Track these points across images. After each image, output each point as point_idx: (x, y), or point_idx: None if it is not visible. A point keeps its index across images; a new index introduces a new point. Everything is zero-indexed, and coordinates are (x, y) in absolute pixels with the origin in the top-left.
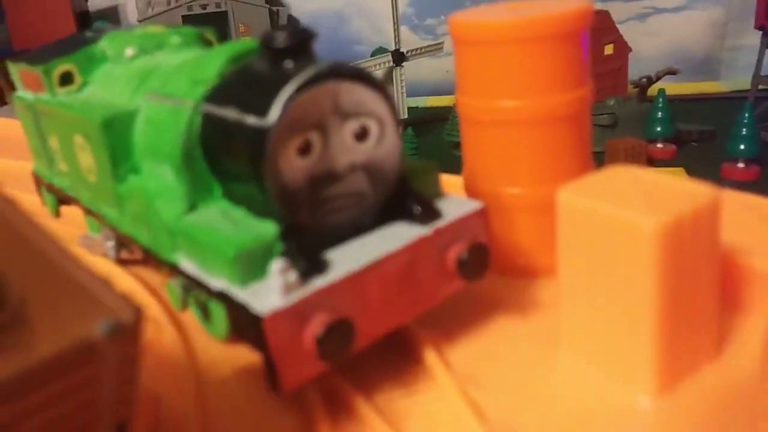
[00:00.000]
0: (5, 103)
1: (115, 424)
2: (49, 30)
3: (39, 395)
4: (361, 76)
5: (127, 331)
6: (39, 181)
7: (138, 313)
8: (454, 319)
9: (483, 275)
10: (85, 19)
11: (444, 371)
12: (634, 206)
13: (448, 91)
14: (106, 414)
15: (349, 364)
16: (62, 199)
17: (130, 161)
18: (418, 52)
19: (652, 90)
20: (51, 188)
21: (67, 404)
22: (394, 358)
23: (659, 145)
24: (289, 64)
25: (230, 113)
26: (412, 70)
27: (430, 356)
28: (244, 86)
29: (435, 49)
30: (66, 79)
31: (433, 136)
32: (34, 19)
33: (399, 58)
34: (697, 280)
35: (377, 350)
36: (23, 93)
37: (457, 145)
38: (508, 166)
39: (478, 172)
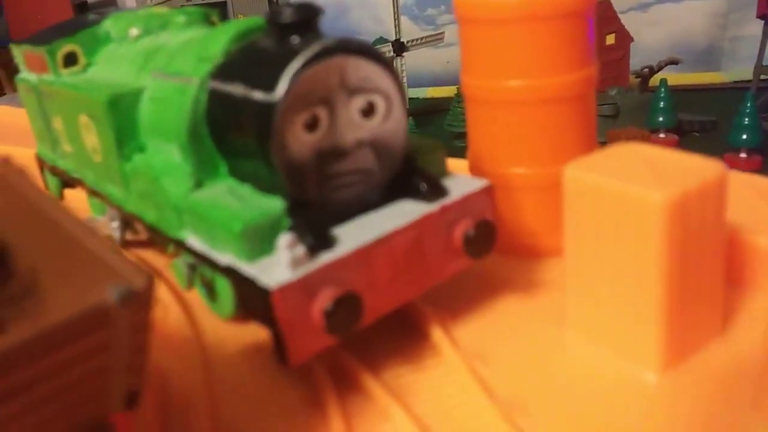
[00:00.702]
0: (3, 93)
1: (126, 393)
2: (48, 22)
3: (52, 360)
4: (369, 52)
5: (139, 297)
6: (42, 164)
7: (150, 280)
8: (460, 299)
9: (489, 252)
10: (83, 11)
11: (451, 348)
12: (641, 181)
13: (449, 82)
14: (117, 382)
15: (355, 341)
16: (66, 181)
17: (136, 140)
18: (419, 42)
19: (654, 80)
20: (55, 170)
21: (79, 370)
22: (400, 335)
23: (661, 135)
24: (295, 39)
25: (237, 89)
26: (412, 60)
27: (437, 333)
28: (250, 62)
29: (436, 40)
30: (70, 59)
31: (434, 126)
32: (32, 11)
33: (399, 48)
34: (704, 255)
35: (384, 328)
36: (27, 75)
37: (459, 136)
38: (514, 147)
39: (484, 152)
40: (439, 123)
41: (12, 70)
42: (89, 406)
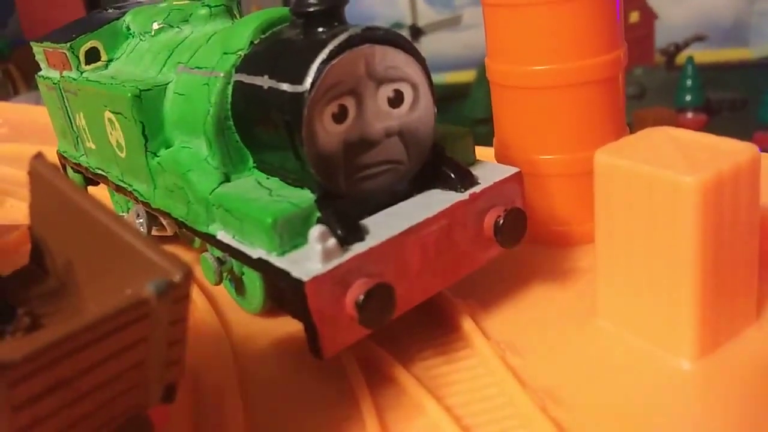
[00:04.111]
0: (17, 92)
1: (163, 387)
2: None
3: (92, 353)
4: (395, 41)
5: (177, 290)
6: (64, 162)
7: (187, 273)
8: (491, 289)
9: (521, 241)
10: (94, 8)
11: (482, 339)
12: (673, 165)
13: (468, 66)
14: (155, 375)
15: (386, 334)
16: (89, 178)
17: (162, 135)
18: (436, 26)
19: (680, 58)
20: (77, 168)
21: (119, 363)
22: (431, 328)
23: (689, 115)
24: (321, 29)
25: (264, 82)
26: (430, 45)
27: (468, 325)
28: (276, 54)
29: (453, 23)
30: (92, 55)
31: (453, 113)
32: (44, 10)
33: (416, 33)
34: (738, 240)
35: (415, 320)
36: (48, 72)
37: (480, 122)
38: (542, 133)
39: (511, 139)
40: (459, 109)
41: (27, 69)
42: (128, 399)
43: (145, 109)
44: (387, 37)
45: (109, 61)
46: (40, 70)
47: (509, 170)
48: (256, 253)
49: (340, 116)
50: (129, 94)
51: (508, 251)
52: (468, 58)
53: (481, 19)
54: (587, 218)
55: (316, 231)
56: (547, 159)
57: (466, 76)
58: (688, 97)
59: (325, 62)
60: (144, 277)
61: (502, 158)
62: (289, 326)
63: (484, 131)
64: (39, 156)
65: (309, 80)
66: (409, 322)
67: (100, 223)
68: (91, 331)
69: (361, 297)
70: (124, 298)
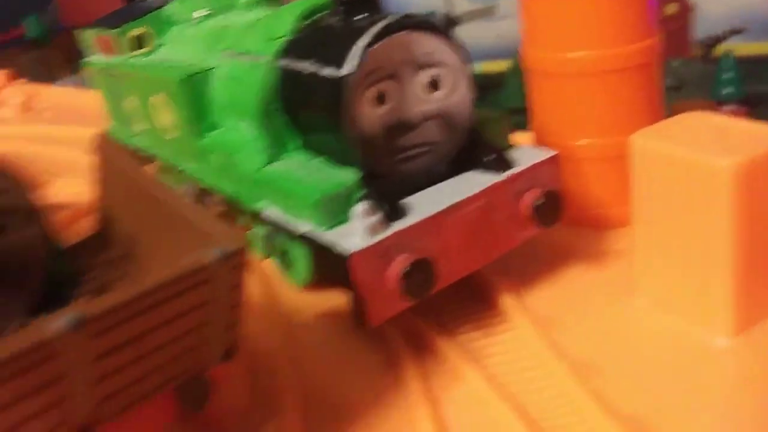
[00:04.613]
0: (56, 78)
1: (223, 348)
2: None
3: (160, 313)
4: (434, 27)
5: (235, 257)
6: None
7: (244, 242)
8: (529, 269)
9: (557, 221)
10: None
11: (521, 314)
12: (709, 149)
13: (503, 56)
14: (215, 337)
15: (427, 309)
16: (138, 159)
17: (209, 117)
18: (471, 15)
19: (718, 51)
20: (127, 149)
21: (184, 323)
22: (471, 303)
23: (729, 107)
24: (361, 17)
25: (307, 66)
26: (464, 34)
27: (507, 300)
28: (319, 40)
29: (488, 13)
30: (139, 41)
31: (487, 103)
32: None
33: (450, 22)
34: None
35: (454, 296)
36: (96, 57)
37: (514, 112)
38: (579, 118)
39: (548, 124)
40: (494, 99)
41: (66, 55)
42: (191, 358)
43: (193, 91)
44: (425, 24)
45: (156, 46)
46: (80, 55)
47: (546, 153)
48: (302, 228)
49: (380, 100)
50: (178, 78)
51: (545, 233)
52: (503, 48)
53: (515, 10)
54: (623, 201)
55: (360, 207)
56: (583, 143)
57: (501, 66)
58: (727, 90)
59: (365, 48)
60: (204, 247)
61: (539, 143)
62: (334, 300)
63: (518, 121)
64: (103, 136)
65: (350, 65)
66: (450, 299)
67: (162, 198)
68: (159, 291)
69: (403, 270)
70: (188, 263)
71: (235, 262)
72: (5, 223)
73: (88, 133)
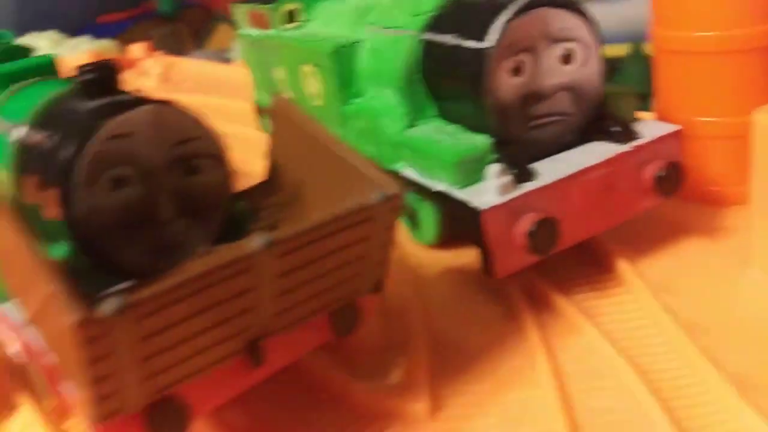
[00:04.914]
0: (185, 52)
1: (375, 280)
2: None
3: (331, 241)
4: (570, 4)
5: (393, 200)
6: (260, 111)
7: (402, 188)
8: (644, 239)
9: (677, 192)
10: None
11: (636, 278)
12: None
13: (621, 40)
14: (370, 270)
15: (547, 269)
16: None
17: (355, 85)
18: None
19: None
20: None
21: (348, 254)
22: (588, 267)
23: None
24: None
25: (450, 39)
26: None
27: (623, 265)
28: (462, 15)
29: None
30: (291, 16)
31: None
32: None
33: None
34: None
35: (573, 260)
36: (248, 31)
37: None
38: (704, 96)
39: (673, 101)
40: (610, 82)
41: (194, 28)
42: (348, 286)
43: (342, 62)
44: (562, 1)
45: (305, 21)
46: (206, 31)
47: (670, 127)
48: (438, 186)
49: (517, 71)
50: (328, 49)
51: (663, 207)
52: (622, 32)
53: None
54: (741, 180)
55: (494, 168)
56: (705, 121)
57: (619, 50)
58: None
59: (507, 22)
60: (366, 192)
61: (662, 119)
62: (456, 258)
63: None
64: (280, 94)
65: (492, 38)
66: (568, 262)
67: (331, 147)
68: (332, 224)
69: (530, 227)
70: (356, 202)
71: (393, 204)
72: (200, 165)
73: (227, 103)
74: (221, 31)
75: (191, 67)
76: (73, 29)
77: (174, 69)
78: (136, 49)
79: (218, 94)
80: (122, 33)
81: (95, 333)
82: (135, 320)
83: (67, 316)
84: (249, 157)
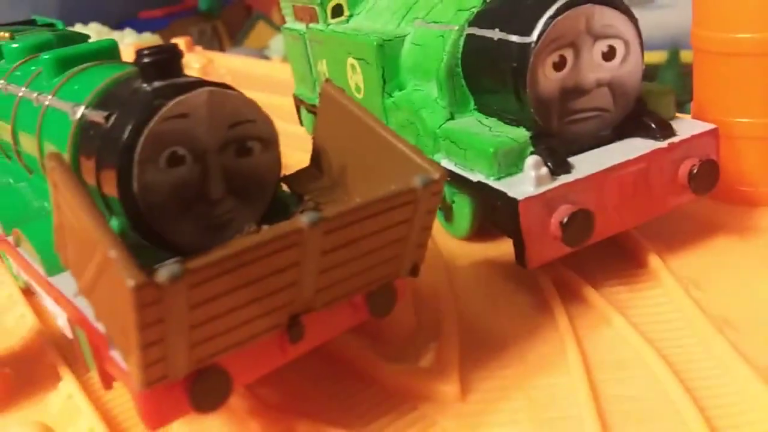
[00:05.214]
0: (223, 49)
1: (413, 263)
2: None
3: (375, 222)
4: (613, 2)
5: (435, 184)
6: (299, 103)
7: (443, 173)
8: (676, 236)
9: (711, 190)
10: None
11: (667, 273)
12: None
13: (658, 47)
14: (409, 252)
15: (578, 261)
16: None
17: (397, 79)
18: (628, 2)
19: None
20: (312, 109)
21: (390, 235)
22: (619, 261)
23: None
24: None
25: (495, 34)
26: None
27: (654, 261)
28: (507, 11)
29: (646, 0)
30: (336, 11)
31: None
32: None
33: None
34: None
35: (604, 253)
36: (293, 25)
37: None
38: (741, 97)
39: (710, 101)
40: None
41: (232, 26)
42: (387, 267)
43: (386, 56)
44: None
45: (351, 16)
46: (244, 29)
47: (706, 126)
48: (475, 177)
49: (559, 65)
50: (375, 43)
51: (694, 206)
52: (658, 38)
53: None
54: None
55: (531, 160)
56: (741, 122)
57: (656, 57)
58: None
59: (551, 18)
60: (409, 176)
61: (699, 119)
62: (489, 250)
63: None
64: (329, 81)
65: (536, 33)
66: (599, 255)
67: (378, 133)
68: (376, 205)
69: (565, 219)
70: (400, 186)
71: (434, 189)
72: (251, 148)
73: (266, 98)
74: (259, 30)
75: (231, 62)
76: (114, 24)
77: (214, 64)
78: (178, 44)
79: (257, 89)
80: (163, 29)
81: (152, 298)
82: (188, 288)
83: (127, 280)
84: (288, 151)
